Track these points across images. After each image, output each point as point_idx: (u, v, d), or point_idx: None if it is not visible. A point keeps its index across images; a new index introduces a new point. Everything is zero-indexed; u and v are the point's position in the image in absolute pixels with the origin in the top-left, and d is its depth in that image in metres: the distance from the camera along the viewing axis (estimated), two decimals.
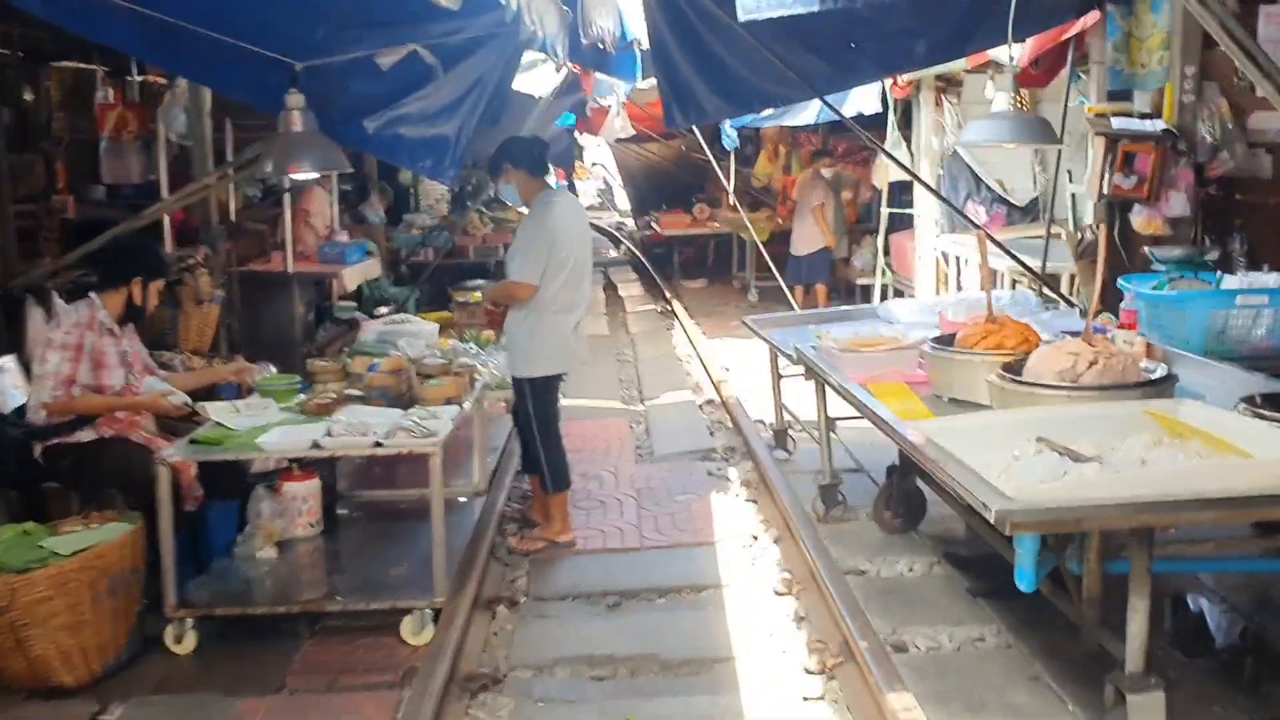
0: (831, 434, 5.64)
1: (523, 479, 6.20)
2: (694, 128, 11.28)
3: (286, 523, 5.02)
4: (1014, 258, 6.63)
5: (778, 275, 10.89)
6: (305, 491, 5.09)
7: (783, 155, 16.72)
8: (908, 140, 10.55)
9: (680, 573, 5.16)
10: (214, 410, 4.86)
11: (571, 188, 31.28)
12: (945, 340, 4.67)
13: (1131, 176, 6.14)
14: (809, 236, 12.42)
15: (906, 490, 5.33)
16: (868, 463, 6.22)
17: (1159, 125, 6.02)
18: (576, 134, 19.03)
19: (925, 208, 10.14)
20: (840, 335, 5.27)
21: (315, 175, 7.93)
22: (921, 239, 10.20)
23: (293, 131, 5.04)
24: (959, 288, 9.88)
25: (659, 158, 19.12)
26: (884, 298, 10.62)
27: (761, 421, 7.46)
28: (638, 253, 20.51)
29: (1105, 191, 6.19)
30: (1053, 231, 6.90)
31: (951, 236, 9.78)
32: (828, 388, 5.13)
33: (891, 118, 10.28)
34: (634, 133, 13.58)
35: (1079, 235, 6.41)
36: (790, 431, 6.75)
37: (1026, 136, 5.74)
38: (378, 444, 4.46)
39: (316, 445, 4.46)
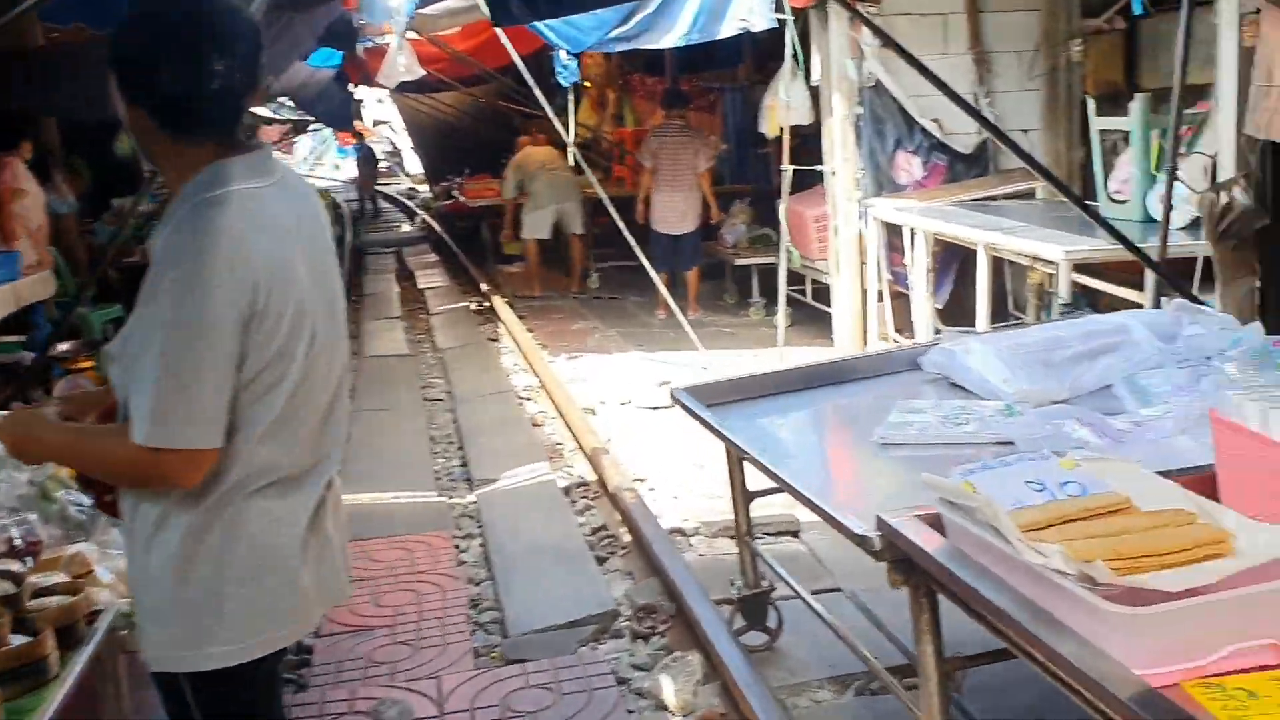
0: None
1: None
2: (513, 65, 8.11)
3: None
4: (1141, 257, 3.78)
5: (642, 256, 7.90)
6: None
7: (611, 102, 13.70)
8: (808, 69, 7.69)
9: None
10: None
11: (369, 155, 27.53)
12: None
13: None
14: (682, 210, 9.46)
15: None
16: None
17: None
18: (350, 85, 15.61)
19: (842, 162, 7.32)
20: (992, 494, 2.24)
21: None
22: (838, 204, 7.39)
23: None
24: (891, 274, 7.13)
25: (457, 111, 15.78)
26: (813, 292, 7.78)
27: (682, 533, 4.49)
28: (437, 227, 17.17)
29: None
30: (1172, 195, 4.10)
31: (887, 201, 6.99)
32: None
33: (790, 36, 7.40)
34: (422, 75, 10.24)
35: (1215, 198, 3.70)
36: (771, 595, 3.67)
37: None
38: None
39: None
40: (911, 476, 2.58)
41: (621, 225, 7.76)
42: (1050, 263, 4.73)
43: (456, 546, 4.67)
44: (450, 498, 5.35)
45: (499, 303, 10.17)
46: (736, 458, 3.12)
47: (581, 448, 5.69)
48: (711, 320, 9.43)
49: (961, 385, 3.05)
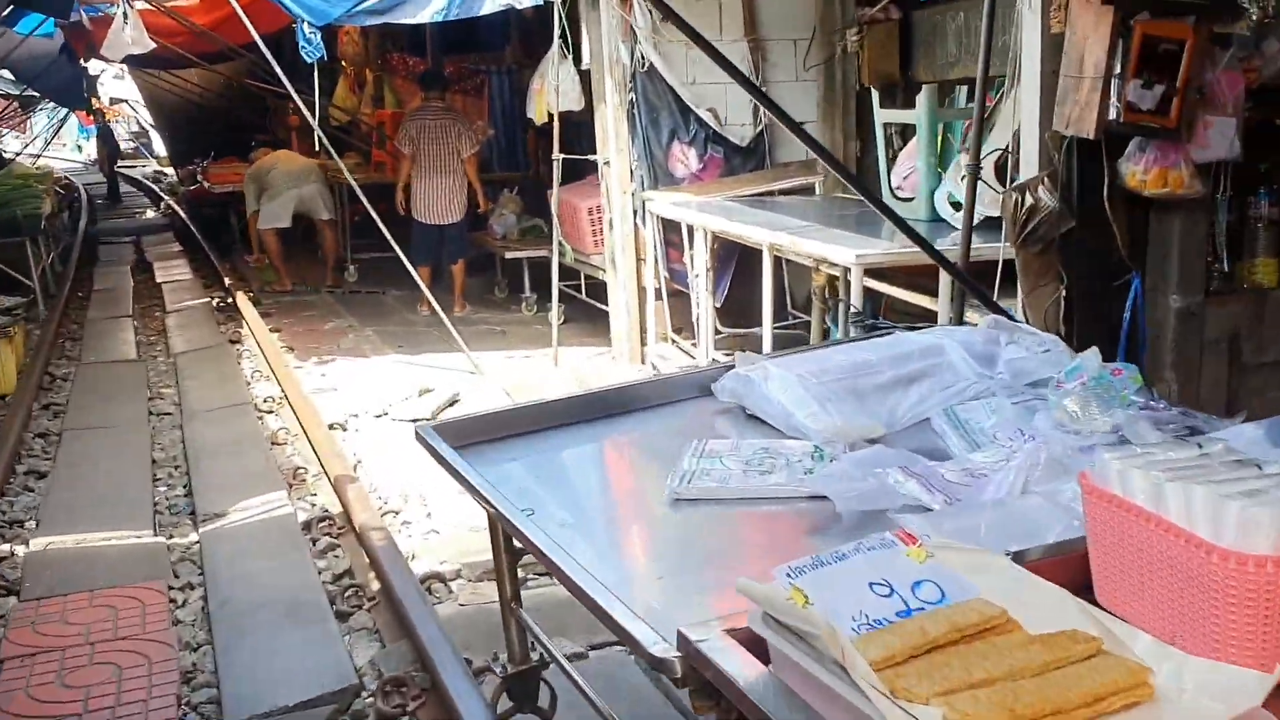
0: None
1: None
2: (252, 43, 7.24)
3: None
4: (951, 268, 3.45)
5: (397, 248, 7.20)
6: None
7: (370, 83, 12.83)
8: (578, 52, 7.19)
9: None
10: None
11: (107, 135, 25.18)
12: None
13: (1154, 88, 3.16)
14: (446, 198, 8.80)
15: None
16: None
17: None
18: (77, 59, 14.10)
19: (616, 152, 6.85)
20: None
21: None
22: (613, 197, 6.92)
23: None
24: (668, 270, 6.75)
25: (203, 90, 14.48)
26: (588, 288, 7.25)
27: (440, 579, 3.90)
28: (182, 214, 15.82)
29: (1116, 116, 3.17)
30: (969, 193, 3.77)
31: (664, 195, 6.57)
32: None
33: (558, 16, 6.87)
34: (153, 47, 9.16)
35: (1019, 199, 3.41)
36: (543, 669, 3.08)
37: None
38: None
39: None
40: (714, 546, 2.11)
41: (373, 213, 7.06)
42: (840, 266, 4.40)
43: (172, 601, 3.93)
44: (170, 537, 4.56)
45: (243, 299, 9.23)
46: (500, 532, 2.58)
47: (326, 473, 5.00)
48: (481, 317, 8.83)
49: (759, 416, 2.60)
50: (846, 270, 4.36)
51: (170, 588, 4.02)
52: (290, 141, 12.73)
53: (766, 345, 5.08)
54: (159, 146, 30.12)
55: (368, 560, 4.05)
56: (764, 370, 2.64)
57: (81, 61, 15.72)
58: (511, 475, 2.51)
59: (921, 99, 4.85)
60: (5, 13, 8.57)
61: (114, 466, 5.48)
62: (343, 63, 12.84)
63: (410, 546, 4.19)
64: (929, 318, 4.23)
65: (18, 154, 24.15)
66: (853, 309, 3.98)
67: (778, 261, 5.37)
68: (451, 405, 6.23)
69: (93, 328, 9.10)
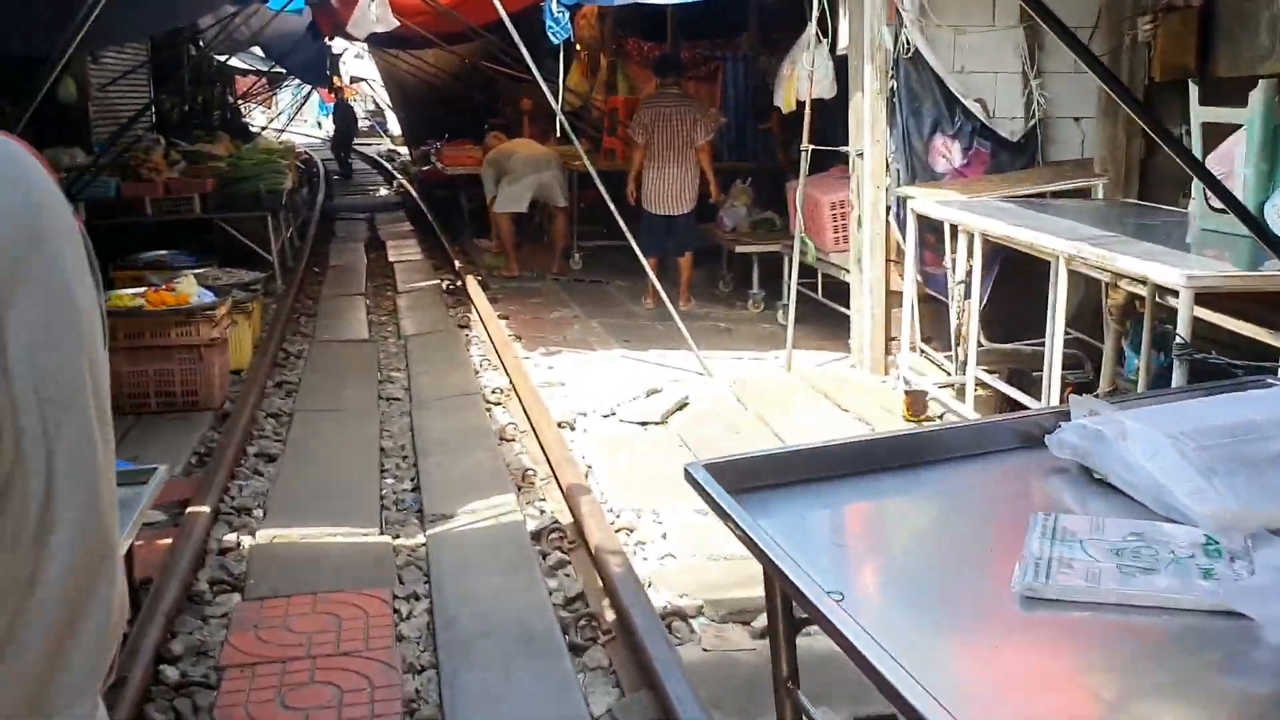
0: None
1: None
2: (500, 21, 7.07)
3: None
4: None
5: (631, 240, 6.91)
6: None
7: (604, 68, 12.65)
8: (833, 36, 6.70)
9: None
10: None
11: (347, 112, 26.16)
12: None
13: None
14: (677, 188, 8.48)
15: None
16: None
17: None
18: (325, 38, 14.55)
19: (871, 144, 6.34)
20: None
21: None
22: (864, 191, 6.42)
23: None
24: (920, 274, 6.18)
25: (438, 70, 14.70)
26: (824, 288, 6.78)
27: (681, 616, 3.53)
28: (415, 193, 16.14)
29: None
30: None
31: (924, 191, 6.01)
32: None
33: None
34: (396, 25, 9.19)
35: None
36: None
37: None
38: None
39: None
40: (1085, 666, 1.63)
41: (609, 201, 6.78)
42: (1149, 286, 3.77)
43: (396, 612, 3.70)
44: (397, 536, 4.37)
45: (472, 283, 9.17)
46: (781, 596, 2.16)
47: (556, 478, 4.72)
48: (706, 312, 8.48)
49: (1111, 483, 2.09)
50: (1157, 291, 3.74)
51: (395, 596, 3.80)
52: (522, 126, 12.69)
53: (1053, 372, 4.49)
54: (393, 125, 31.24)
55: (601, 584, 3.72)
56: (1118, 425, 2.12)
57: (326, 40, 16.26)
58: (799, 534, 2.08)
59: (1257, 96, 4.14)
60: None
61: (343, 454, 5.37)
62: (577, 46, 12.71)
63: (646, 571, 3.84)
64: (1262, 354, 3.58)
65: (263, 128, 25.46)
66: (1178, 339, 3.38)
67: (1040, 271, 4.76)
68: (681, 409, 5.88)
69: (327, 304, 9.23)
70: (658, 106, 8.57)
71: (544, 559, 4.02)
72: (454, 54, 14.00)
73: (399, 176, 19.95)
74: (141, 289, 6.36)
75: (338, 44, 21.40)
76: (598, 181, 6.73)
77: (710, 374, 6.53)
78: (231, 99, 25.73)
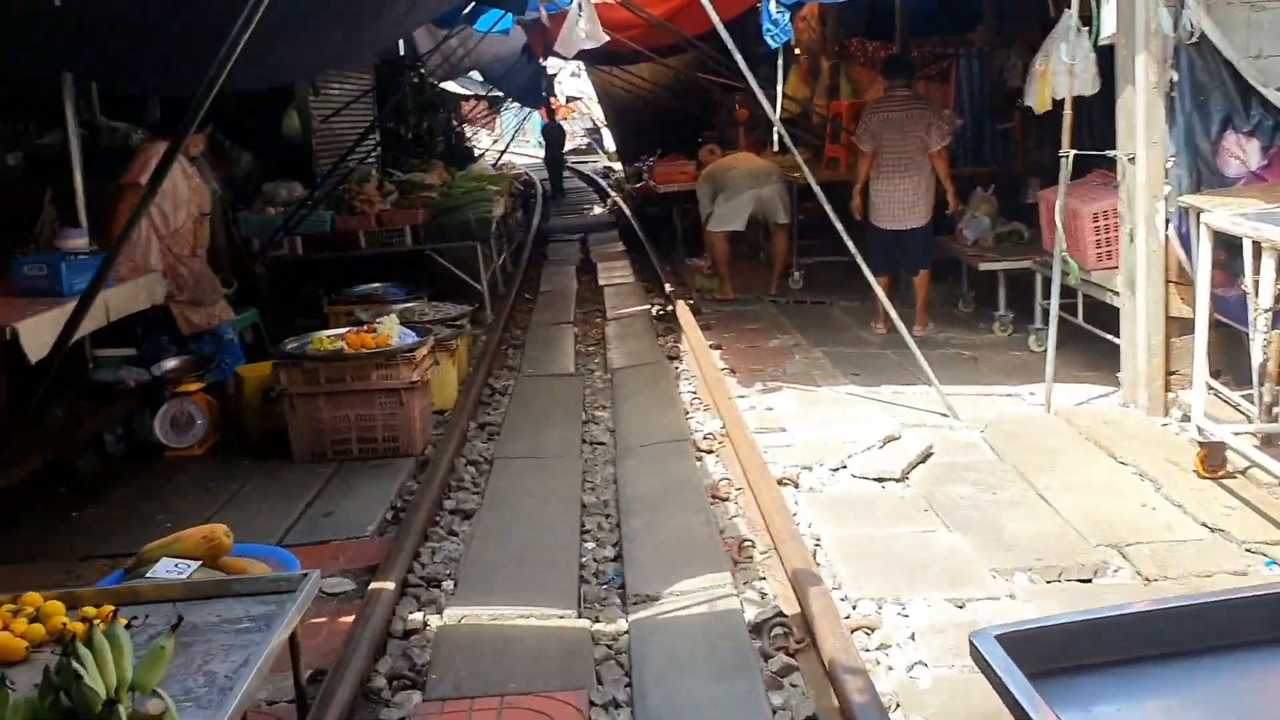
0: None
1: None
2: (713, 30, 6.47)
3: None
4: None
5: (854, 251, 6.15)
6: None
7: (825, 73, 11.92)
8: (1096, 24, 5.77)
9: None
10: None
11: (556, 131, 26.33)
12: None
13: None
14: (910, 199, 7.69)
15: None
16: None
17: None
18: (536, 59, 14.43)
19: (1148, 146, 5.40)
20: None
21: None
22: (1137, 201, 5.48)
23: None
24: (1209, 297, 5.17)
25: (651, 84, 14.31)
26: (1086, 310, 5.87)
27: None
28: (627, 211, 15.82)
29: None
30: None
31: (1223, 200, 5.03)
32: None
33: None
34: (605, 40, 8.76)
35: None
36: None
37: None
38: None
39: None
40: None
41: (834, 217, 6.07)
42: None
43: None
44: (596, 620, 3.81)
45: (683, 309, 8.61)
46: None
47: (778, 553, 4.05)
48: (946, 338, 7.63)
49: None
50: None
51: (591, 703, 3.23)
52: (737, 138, 12.11)
53: None
54: (609, 142, 31.28)
55: (837, 703, 3.04)
56: None
57: (540, 60, 16.17)
58: None
59: None
60: (466, 9, 8.49)
61: (542, 511, 4.88)
62: (796, 50, 12.05)
63: (890, 685, 3.14)
64: None
65: (485, 150, 25.86)
66: None
67: None
68: (923, 461, 5.11)
69: (535, 334, 8.88)
70: (886, 110, 7.79)
71: (766, 661, 3.37)
72: (666, 66, 13.57)
73: (613, 194, 19.73)
74: (343, 330, 6.10)
75: (553, 64, 21.48)
76: (820, 195, 6.02)
77: (956, 416, 5.72)
78: (455, 124, 26.36)
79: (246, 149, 9.50)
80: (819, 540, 4.22)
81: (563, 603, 3.93)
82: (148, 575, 2.83)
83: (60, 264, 5.37)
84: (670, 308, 9.02)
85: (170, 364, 6.32)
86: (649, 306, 9.52)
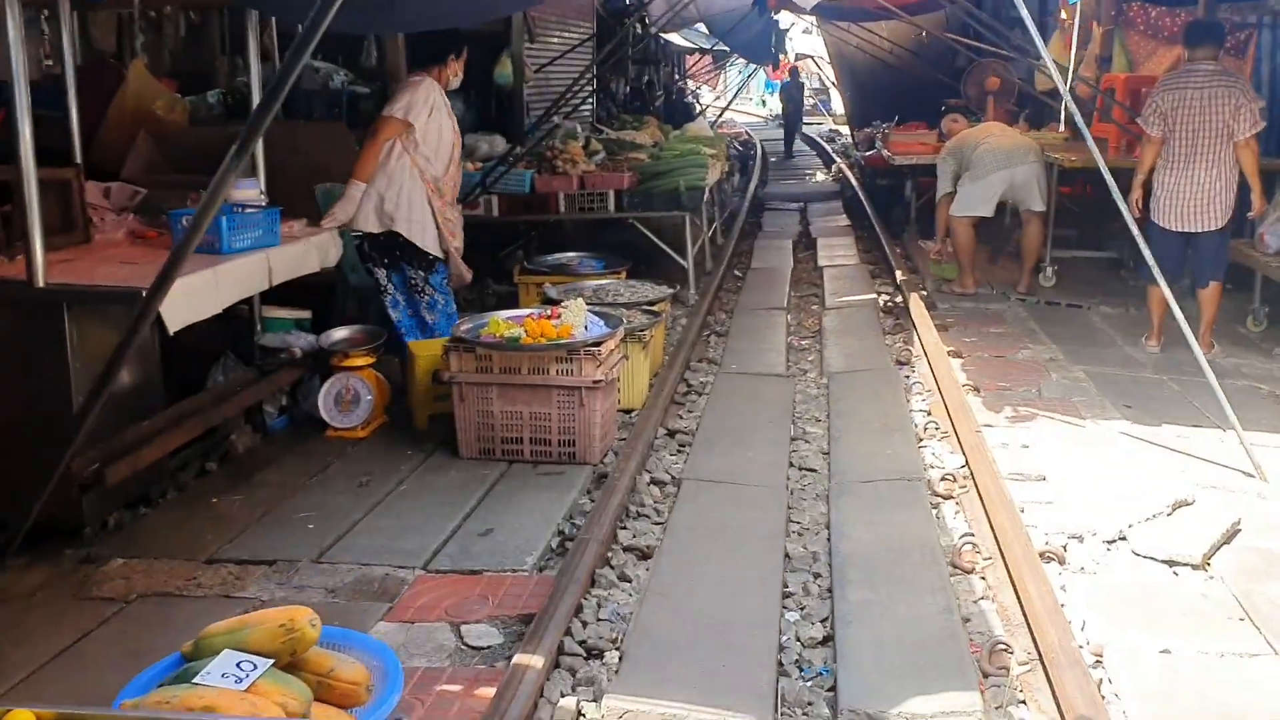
0: None
1: None
2: None
3: None
4: None
5: (1150, 258, 4.97)
6: None
7: (1097, 40, 10.43)
8: None
9: None
10: None
11: (796, 90, 25.09)
12: None
13: None
14: (1205, 197, 6.40)
15: None
16: None
17: None
18: (768, 12, 13.42)
19: None
20: None
21: None
22: None
23: None
24: None
25: (891, 43, 13.05)
26: None
27: None
28: (853, 180, 14.68)
29: None
30: None
31: None
32: None
33: None
34: None
35: None
36: None
37: None
38: None
39: None
40: None
41: (1123, 206, 4.90)
42: None
43: None
44: None
45: (915, 302, 7.52)
46: None
47: (1050, 680, 3.04)
48: (1235, 364, 6.34)
49: None
50: None
51: None
52: (986, 108, 10.78)
53: None
54: (836, 104, 29.79)
55: None
56: None
57: (773, 14, 15.12)
58: None
59: None
60: None
61: (735, 558, 4.00)
62: (1061, 14, 10.61)
63: None
64: None
65: (705, 107, 24.93)
66: None
67: None
68: (1228, 542, 3.96)
69: (741, 320, 7.95)
70: (1183, 88, 6.45)
71: None
72: (912, 25, 12.31)
73: (838, 160, 18.53)
74: (524, 312, 5.35)
75: (785, 19, 20.31)
76: (1113, 186, 4.84)
77: (1264, 478, 4.52)
78: (678, 78, 25.51)
79: (456, 97, 8.92)
80: (1100, 658, 3.18)
81: (754, 705, 3.04)
82: (201, 677, 2.10)
83: (221, 219, 4.78)
84: (900, 299, 7.94)
85: (339, 334, 5.74)
86: (875, 295, 8.46)
